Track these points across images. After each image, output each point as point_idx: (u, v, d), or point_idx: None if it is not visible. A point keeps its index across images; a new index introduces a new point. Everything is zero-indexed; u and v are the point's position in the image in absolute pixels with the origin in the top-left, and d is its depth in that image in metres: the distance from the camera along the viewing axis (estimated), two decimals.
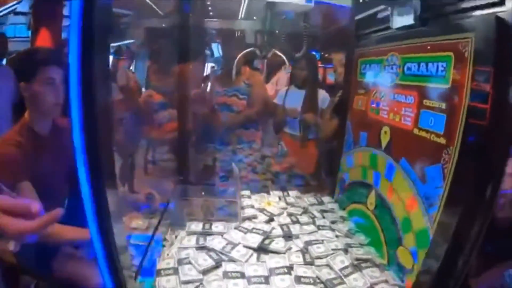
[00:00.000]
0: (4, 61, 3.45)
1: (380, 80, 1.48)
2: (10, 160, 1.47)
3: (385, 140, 1.44)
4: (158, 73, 2.60)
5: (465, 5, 1.04)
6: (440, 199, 1.09)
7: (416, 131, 1.23)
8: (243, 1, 2.00)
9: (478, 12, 0.99)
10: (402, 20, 1.29)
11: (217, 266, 1.25)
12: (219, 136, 2.40)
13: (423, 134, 1.19)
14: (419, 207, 1.19)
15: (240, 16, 2.21)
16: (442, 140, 1.10)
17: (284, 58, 1.73)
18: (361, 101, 1.65)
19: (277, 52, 1.62)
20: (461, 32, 1.02)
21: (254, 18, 1.98)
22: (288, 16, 1.44)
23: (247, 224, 1.54)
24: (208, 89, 2.39)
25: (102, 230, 0.80)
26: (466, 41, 1.00)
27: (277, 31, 1.48)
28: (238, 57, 1.85)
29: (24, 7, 4.28)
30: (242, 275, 1.20)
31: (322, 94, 2.66)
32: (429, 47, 1.18)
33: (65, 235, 1.45)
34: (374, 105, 1.53)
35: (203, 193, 1.86)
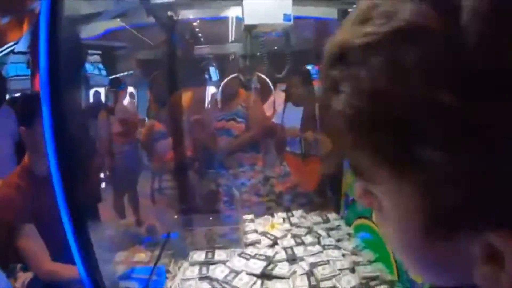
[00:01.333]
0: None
1: None
2: (11, 203, 1.48)
3: None
4: (157, 102, 2.64)
5: None
6: None
7: None
8: (230, 25, 2.02)
9: None
10: None
11: None
12: (220, 161, 2.39)
13: None
14: None
15: (230, 40, 2.24)
16: None
17: (267, 80, 1.73)
18: None
19: (260, 75, 1.62)
20: None
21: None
22: (268, 36, 1.45)
23: (250, 250, 1.50)
24: (207, 114, 2.40)
25: (88, 271, 0.78)
26: None
27: (258, 53, 1.48)
28: (222, 84, 1.86)
29: (23, 47, 4.41)
30: None
31: None
32: None
33: (63, 274, 1.43)
34: None
35: (210, 218, 1.84)
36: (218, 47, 2.33)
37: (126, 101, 3.00)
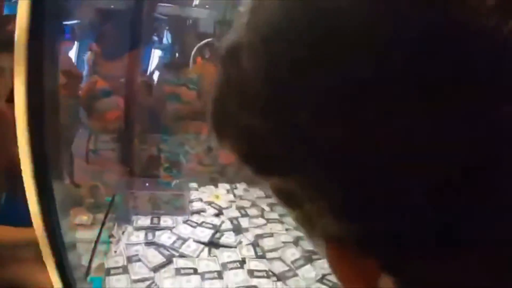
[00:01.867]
0: None
1: None
2: None
3: None
4: (105, 58, 2.43)
5: None
6: None
7: None
8: None
9: None
10: None
11: (168, 262, 1.22)
12: (164, 127, 2.31)
13: None
14: None
15: (193, 4, 2.13)
16: None
17: None
18: None
19: None
20: None
21: (207, 6, 1.91)
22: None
23: (196, 218, 1.51)
24: (156, 77, 2.29)
25: (48, 227, 0.73)
26: None
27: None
28: (196, 47, 1.78)
29: None
30: (195, 271, 1.18)
31: None
32: None
33: (3, 236, 1.28)
34: None
35: (147, 184, 1.79)
36: (183, 9, 2.21)
37: (70, 52, 2.69)
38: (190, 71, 2.33)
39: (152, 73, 2.39)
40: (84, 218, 1.36)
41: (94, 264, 1.16)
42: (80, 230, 1.31)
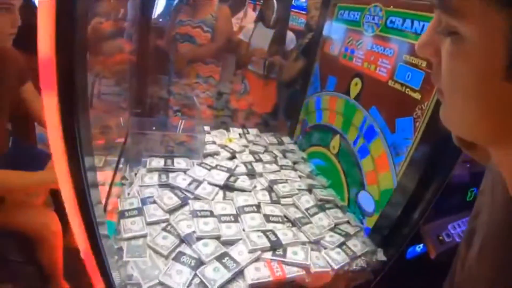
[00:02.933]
0: None
1: (358, 28, 1.42)
2: None
3: (355, 89, 1.42)
4: None
5: None
6: (408, 150, 1.13)
7: (391, 82, 1.22)
8: None
9: None
10: None
11: (184, 204, 1.21)
12: (175, 69, 2.22)
13: (398, 86, 1.19)
14: (385, 155, 1.23)
15: None
16: (417, 95, 1.10)
17: None
18: (334, 46, 1.60)
19: None
20: None
21: None
22: None
23: (209, 161, 1.49)
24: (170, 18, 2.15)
25: (73, 165, 0.68)
26: None
27: None
28: None
29: None
30: (211, 213, 1.17)
31: (290, 35, 2.55)
32: (416, 6, 1.14)
33: (15, 181, 1.26)
34: (348, 52, 1.49)
35: (153, 128, 1.75)
36: None
37: None
38: (205, 12, 2.19)
39: (164, 14, 2.25)
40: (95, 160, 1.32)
41: (108, 208, 1.15)
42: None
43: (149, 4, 1.67)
